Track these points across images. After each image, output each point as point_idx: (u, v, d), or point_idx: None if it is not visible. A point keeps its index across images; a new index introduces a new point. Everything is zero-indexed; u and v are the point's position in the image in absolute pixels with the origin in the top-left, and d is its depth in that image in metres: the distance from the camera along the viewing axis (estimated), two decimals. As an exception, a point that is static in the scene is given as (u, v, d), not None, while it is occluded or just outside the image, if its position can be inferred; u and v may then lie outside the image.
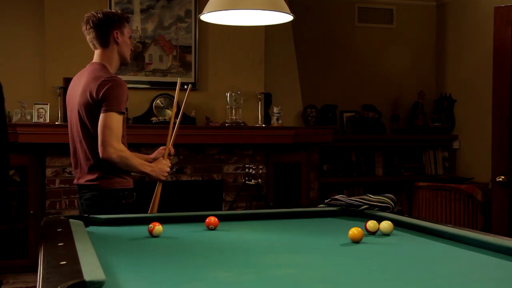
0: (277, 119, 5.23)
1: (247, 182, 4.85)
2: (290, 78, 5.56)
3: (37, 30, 4.89)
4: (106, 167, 2.76)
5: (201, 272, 1.61)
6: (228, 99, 5.04)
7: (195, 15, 5.05)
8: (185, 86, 3.32)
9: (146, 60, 4.98)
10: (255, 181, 4.83)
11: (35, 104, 4.64)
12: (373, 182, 6.00)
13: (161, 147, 3.11)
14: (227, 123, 5.02)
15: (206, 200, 5.16)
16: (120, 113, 2.71)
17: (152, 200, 3.08)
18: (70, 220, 2.19)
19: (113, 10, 2.91)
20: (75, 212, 4.63)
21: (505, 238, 1.89)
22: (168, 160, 3.03)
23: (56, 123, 4.64)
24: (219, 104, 5.13)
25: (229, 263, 1.74)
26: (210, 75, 5.18)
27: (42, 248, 1.70)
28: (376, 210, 2.59)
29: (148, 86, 5.00)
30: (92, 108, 2.72)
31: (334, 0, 6.10)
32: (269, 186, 5.32)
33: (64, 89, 4.76)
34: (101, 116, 2.69)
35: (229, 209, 4.89)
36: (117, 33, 2.83)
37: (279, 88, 5.50)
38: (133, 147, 4.88)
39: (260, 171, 5.12)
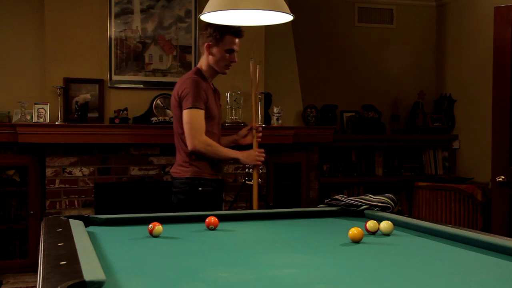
0: (277, 119, 5.22)
1: (247, 182, 4.84)
2: (290, 78, 5.56)
3: (37, 30, 4.89)
4: (186, 157, 3.12)
5: (201, 272, 1.61)
6: (228, 99, 5.04)
7: (195, 15, 5.05)
8: (257, 66, 3.51)
9: (146, 60, 4.98)
10: (255, 181, 4.82)
11: (35, 104, 4.63)
12: (373, 182, 6.00)
13: (245, 128, 3.49)
14: (227, 123, 5.02)
15: (206, 200, 5.16)
16: (198, 108, 3.03)
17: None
18: (70, 220, 2.20)
19: (220, 24, 3.04)
20: (75, 212, 4.63)
21: (505, 238, 1.89)
22: (257, 149, 3.27)
23: (56, 123, 4.64)
24: (219, 104, 5.12)
25: (229, 263, 1.74)
26: (210, 75, 5.17)
27: (42, 248, 1.70)
28: (376, 210, 2.59)
29: (148, 86, 5.00)
30: (177, 105, 3.12)
31: (334, 0, 6.10)
32: (269, 186, 5.32)
33: (64, 89, 4.76)
34: (183, 113, 3.06)
35: (229, 209, 4.89)
36: (209, 45, 3.14)
37: (279, 88, 5.50)
38: (133, 147, 4.90)
39: (260, 171, 5.11)
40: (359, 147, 6.00)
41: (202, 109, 3.05)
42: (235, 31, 3.16)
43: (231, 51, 3.19)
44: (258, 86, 3.50)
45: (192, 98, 3.03)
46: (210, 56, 3.17)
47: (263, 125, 5.13)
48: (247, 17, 3.01)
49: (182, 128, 3.11)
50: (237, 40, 3.20)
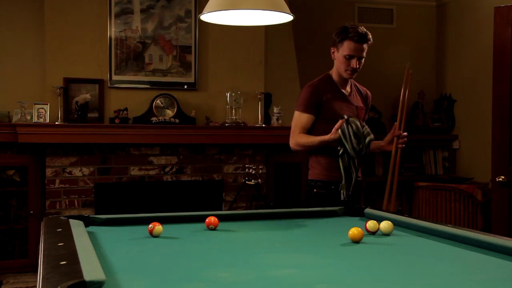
0: (277, 119, 5.22)
1: (247, 182, 4.85)
2: (290, 78, 5.56)
3: (37, 30, 4.89)
4: (309, 160, 3.23)
5: (201, 272, 1.61)
6: (228, 99, 5.04)
7: (195, 15, 5.05)
8: (410, 70, 3.50)
9: (146, 60, 4.97)
10: (255, 181, 4.83)
11: (35, 104, 4.64)
12: (373, 182, 5.99)
13: (390, 133, 3.46)
14: (227, 123, 5.02)
15: (206, 200, 5.16)
16: (297, 111, 3.19)
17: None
18: (70, 220, 2.20)
19: (344, 27, 3.13)
20: (75, 212, 4.63)
21: (505, 238, 1.89)
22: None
23: (56, 123, 4.64)
24: (219, 104, 5.13)
25: (229, 263, 1.74)
26: (210, 75, 5.18)
27: (42, 248, 1.70)
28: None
29: (148, 86, 5.00)
30: None
31: (334, 0, 6.10)
32: (269, 186, 5.32)
33: (64, 89, 4.76)
34: None
35: (229, 209, 4.89)
36: (333, 50, 3.18)
37: (279, 88, 5.50)
38: (133, 147, 4.90)
39: (260, 171, 5.11)
40: (359, 147, 5.98)
41: (301, 111, 3.18)
42: (354, 36, 3.07)
43: (350, 57, 3.11)
44: (408, 92, 3.57)
45: (298, 102, 3.22)
46: (335, 61, 3.21)
47: (263, 125, 5.13)
48: (247, 17, 3.01)
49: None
50: (359, 45, 3.10)
